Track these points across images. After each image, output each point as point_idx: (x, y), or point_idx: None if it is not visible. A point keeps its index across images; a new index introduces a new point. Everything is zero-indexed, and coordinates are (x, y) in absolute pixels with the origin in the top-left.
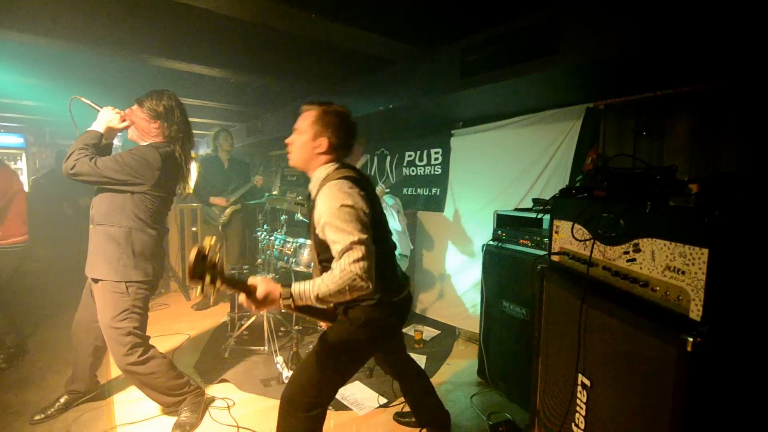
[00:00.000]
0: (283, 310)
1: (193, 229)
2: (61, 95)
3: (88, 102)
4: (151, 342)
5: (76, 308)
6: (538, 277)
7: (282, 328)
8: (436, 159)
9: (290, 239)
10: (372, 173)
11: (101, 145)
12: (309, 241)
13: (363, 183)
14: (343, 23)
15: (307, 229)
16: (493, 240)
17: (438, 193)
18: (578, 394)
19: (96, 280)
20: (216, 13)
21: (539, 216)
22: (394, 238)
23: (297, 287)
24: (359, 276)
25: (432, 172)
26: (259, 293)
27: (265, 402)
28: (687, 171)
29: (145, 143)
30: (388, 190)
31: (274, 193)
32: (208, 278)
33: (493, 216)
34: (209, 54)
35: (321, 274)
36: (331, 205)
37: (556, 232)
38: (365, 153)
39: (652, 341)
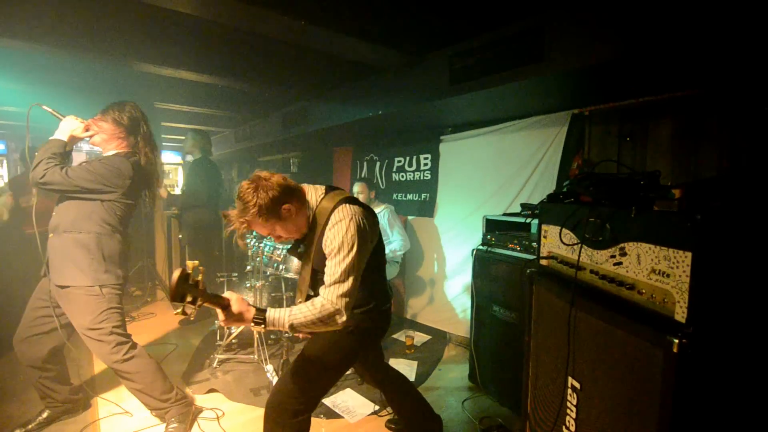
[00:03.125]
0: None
1: (180, 236)
2: (45, 101)
3: (51, 110)
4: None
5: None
6: (528, 281)
7: (272, 336)
8: (426, 165)
9: (280, 246)
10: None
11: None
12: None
13: (367, 211)
14: (332, 30)
15: (306, 256)
16: (482, 245)
17: (427, 199)
18: (568, 397)
19: (64, 287)
20: (204, 19)
21: (527, 221)
22: (398, 245)
23: (271, 313)
24: (338, 311)
25: (421, 178)
26: (234, 309)
27: (255, 412)
28: (669, 175)
29: (110, 152)
30: (372, 198)
31: None
32: (189, 298)
33: (482, 221)
34: (197, 60)
35: (310, 280)
36: (341, 237)
37: (545, 237)
38: (354, 159)
39: (639, 343)
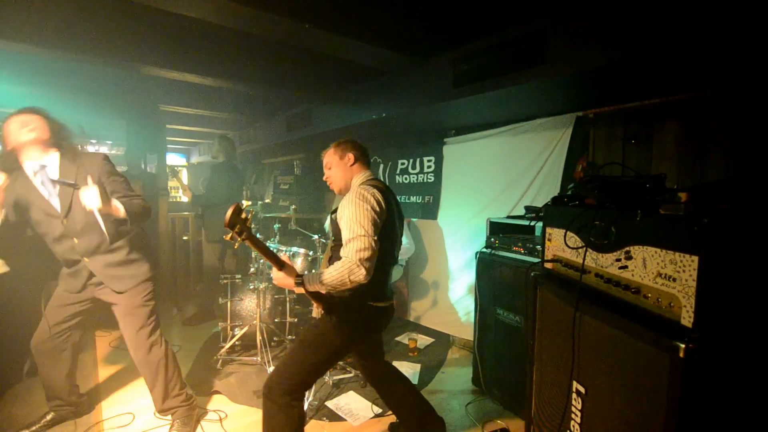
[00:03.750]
0: (296, 292)
1: (185, 238)
2: (51, 104)
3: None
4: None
5: None
6: (532, 284)
7: (275, 338)
8: (429, 167)
9: (283, 248)
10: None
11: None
12: (302, 250)
13: (388, 195)
14: (336, 33)
15: (333, 233)
16: (486, 247)
17: (431, 201)
18: (573, 402)
19: (123, 292)
20: (209, 22)
21: (531, 223)
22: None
23: (308, 273)
24: (360, 263)
25: (425, 180)
26: (288, 263)
27: (259, 414)
28: (674, 178)
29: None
30: None
31: (267, 201)
32: (237, 228)
33: (486, 223)
34: (202, 63)
35: (332, 256)
36: (354, 199)
37: (549, 240)
38: None
39: (644, 348)
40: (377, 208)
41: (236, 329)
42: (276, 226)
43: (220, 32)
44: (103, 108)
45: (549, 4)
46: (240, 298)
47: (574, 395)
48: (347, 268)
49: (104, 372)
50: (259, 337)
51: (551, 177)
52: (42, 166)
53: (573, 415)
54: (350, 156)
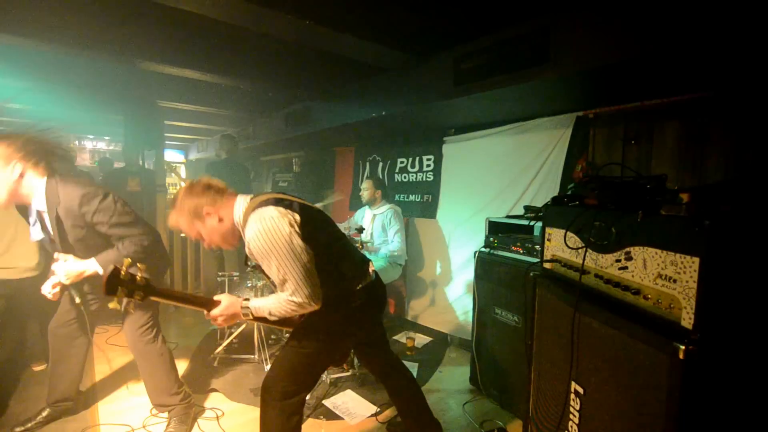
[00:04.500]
0: (242, 323)
1: (182, 235)
2: (50, 98)
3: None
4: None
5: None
6: (531, 284)
7: (272, 336)
8: (428, 166)
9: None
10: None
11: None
12: None
13: (285, 201)
14: (337, 30)
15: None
16: (485, 247)
17: (430, 200)
18: (571, 402)
19: None
20: (208, 17)
21: (531, 223)
22: (396, 246)
23: (254, 303)
24: (303, 303)
25: (424, 179)
26: (224, 303)
27: (255, 412)
28: (674, 179)
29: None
30: (376, 197)
31: None
32: (123, 290)
33: (485, 223)
34: (202, 59)
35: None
36: (262, 246)
37: (548, 240)
38: (357, 159)
39: (644, 349)
40: (288, 236)
41: (233, 327)
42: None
43: (220, 28)
44: (101, 103)
45: (551, 2)
46: (237, 295)
47: (572, 396)
48: (290, 308)
49: (100, 369)
50: (256, 335)
51: (551, 177)
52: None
53: (571, 416)
54: (210, 212)
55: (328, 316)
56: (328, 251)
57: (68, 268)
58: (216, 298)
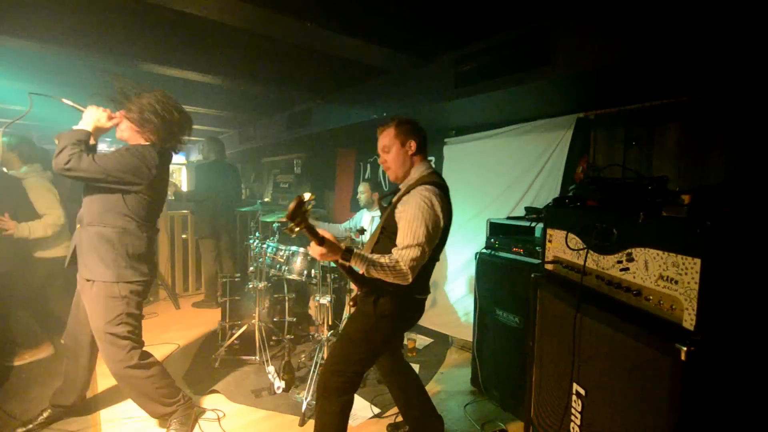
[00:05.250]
0: (332, 263)
1: (183, 236)
2: (51, 100)
3: (72, 103)
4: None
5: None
6: (532, 285)
7: (273, 337)
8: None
9: (282, 247)
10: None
11: (91, 145)
12: (302, 249)
13: (446, 195)
14: (339, 32)
15: (386, 223)
16: (486, 248)
17: None
18: (573, 403)
19: (90, 281)
20: (209, 19)
21: (532, 224)
22: None
23: (358, 252)
24: (410, 271)
25: None
26: (328, 237)
27: (257, 413)
28: (675, 180)
29: (140, 143)
30: (374, 200)
31: (266, 199)
32: (298, 220)
33: (486, 224)
34: (202, 60)
35: (377, 242)
36: (421, 203)
37: (550, 241)
38: (358, 160)
39: (646, 350)
40: (438, 219)
41: (235, 328)
42: (275, 225)
43: (222, 30)
44: (102, 104)
45: (552, 5)
46: (238, 297)
47: (574, 397)
48: (396, 269)
49: (101, 370)
50: (257, 337)
51: (552, 178)
52: None
53: (573, 417)
54: (413, 144)
55: (384, 319)
56: (436, 252)
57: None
58: (322, 233)
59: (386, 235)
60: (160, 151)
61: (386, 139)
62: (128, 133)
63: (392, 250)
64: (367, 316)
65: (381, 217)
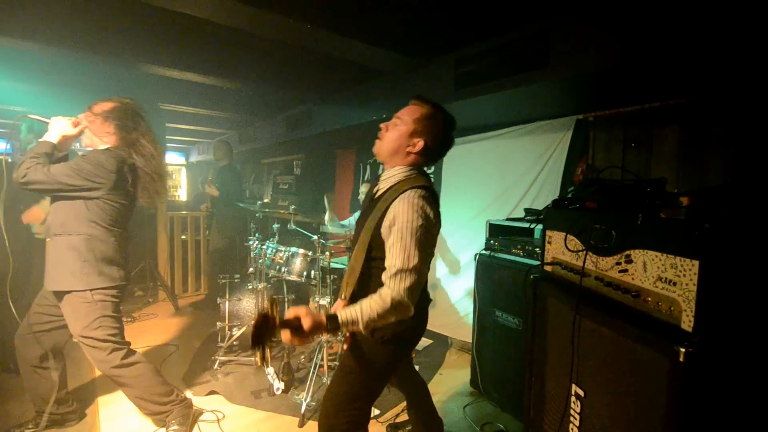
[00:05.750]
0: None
1: (183, 237)
2: (51, 101)
3: (36, 117)
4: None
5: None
6: (531, 287)
7: (273, 339)
8: (429, 168)
9: (282, 248)
10: (365, 182)
11: (57, 156)
12: (301, 250)
13: (437, 200)
14: (339, 33)
15: (360, 219)
16: (485, 249)
17: None
18: (572, 405)
19: (60, 294)
20: (210, 21)
21: (531, 226)
22: None
23: (343, 316)
24: (408, 302)
25: None
26: (306, 326)
27: (256, 414)
28: (674, 182)
29: (101, 148)
30: None
31: (266, 200)
32: (269, 346)
33: (485, 225)
34: (203, 62)
35: (363, 272)
36: (411, 219)
37: (549, 243)
38: (358, 162)
39: (644, 351)
40: (434, 231)
41: (234, 329)
42: (275, 226)
43: (222, 31)
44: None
45: (551, 7)
46: (238, 298)
47: (573, 398)
48: (394, 307)
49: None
50: None
51: (551, 180)
52: None
53: (572, 418)
54: (419, 145)
55: (384, 345)
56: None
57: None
58: (293, 314)
59: (372, 258)
60: (122, 155)
61: (406, 115)
62: (89, 139)
63: (382, 277)
64: (365, 343)
65: (361, 216)
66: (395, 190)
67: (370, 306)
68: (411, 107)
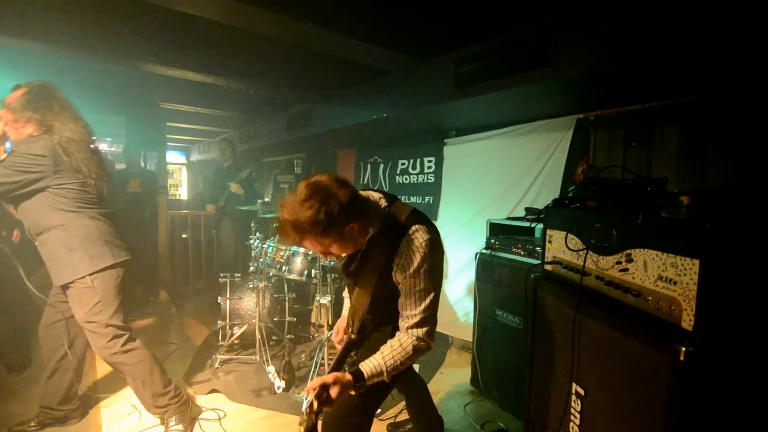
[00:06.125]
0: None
1: (184, 236)
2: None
3: None
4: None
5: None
6: (532, 286)
7: (274, 337)
8: (429, 167)
9: (283, 247)
10: (365, 182)
11: None
12: (302, 249)
13: (433, 226)
14: (339, 33)
15: (362, 278)
16: (486, 248)
17: (431, 202)
18: (572, 403)
19: (66, 287)
20: (211, 20)
21: (532, 225)
22: None
23: (367, 368)
24: (428, 342)
25: (425, 181)
26: (334, 395)
27: (257, 413)
28: (675, 181)
29: (26, 138)
30: None
31: (266, 200)
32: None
33: (486, 224)
34: (204, 61)
35: (369, 309)
36: (423, 264)
37: (550, 242)
38: (358, 161)
39: (645, 350)
40: (441, 265)
41: (235, 328)
42: (276, 225)
43: (222, 30)
44: (104, 105)
45: (552, 6)
46: (239, 296)
47: (573, 397)
48: (416, 353)
49: (102, 368)
50: (258, 336)
51: (551, 178)
52: None
53: (572, 417)
54: (355, 227)
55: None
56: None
57: None
58: (318, 384)
59: (384, 304)
60: (46, 139)
61: (310, 244)
62: (15, 133)
63: (400, 324)
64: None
65: (358, 286)
66: (397, 233)
67: (393, 356)
68: (308, 237)
